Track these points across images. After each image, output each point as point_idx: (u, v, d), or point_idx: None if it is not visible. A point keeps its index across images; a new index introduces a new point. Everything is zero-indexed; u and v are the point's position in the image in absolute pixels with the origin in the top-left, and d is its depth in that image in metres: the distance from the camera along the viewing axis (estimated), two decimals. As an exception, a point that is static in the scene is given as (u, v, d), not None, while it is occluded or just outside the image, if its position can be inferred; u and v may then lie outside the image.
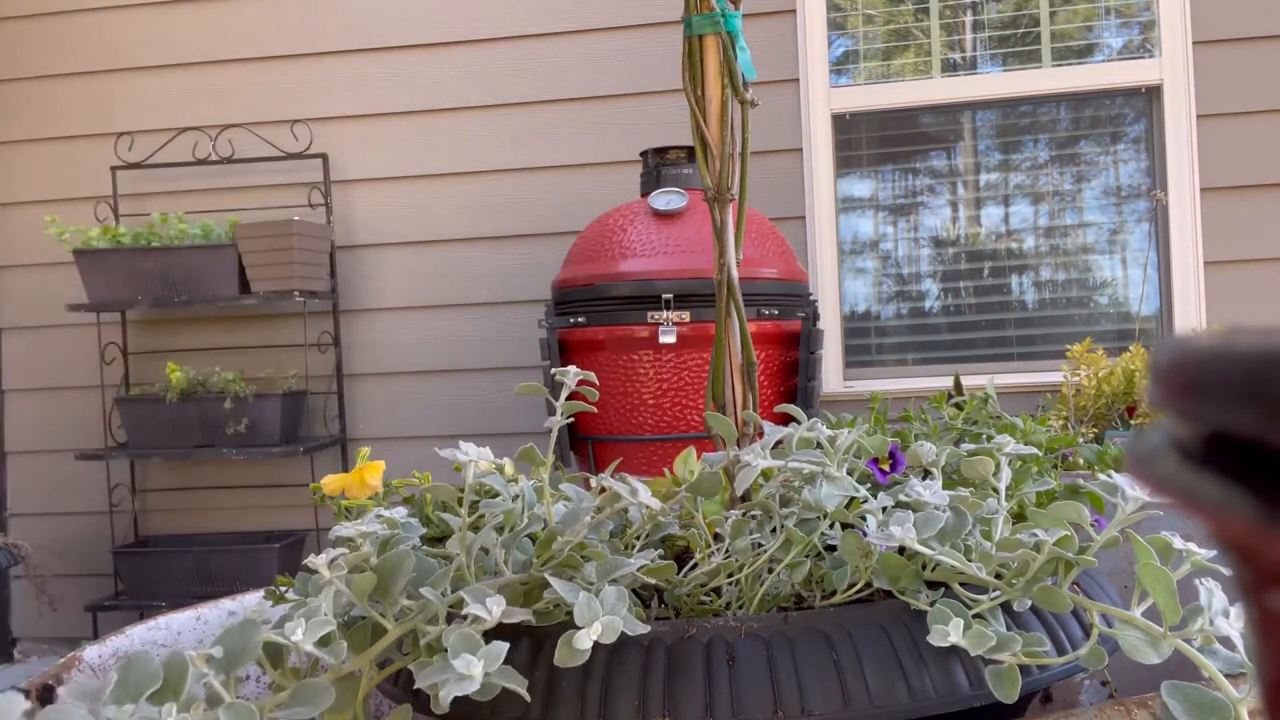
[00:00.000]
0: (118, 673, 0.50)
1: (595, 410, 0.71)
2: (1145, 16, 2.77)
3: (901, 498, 0.67)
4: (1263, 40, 2.61)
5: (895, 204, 2.92)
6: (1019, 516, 0.71)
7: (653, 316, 2.01)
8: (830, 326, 2.72)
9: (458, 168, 2.76)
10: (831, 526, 0.66)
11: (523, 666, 0.57)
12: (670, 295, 1.99)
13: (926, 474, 0.74)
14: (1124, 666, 0.62)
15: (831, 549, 0.67)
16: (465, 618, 0.56)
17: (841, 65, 2.91)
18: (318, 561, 0.62)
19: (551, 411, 0.70)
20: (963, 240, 2.89)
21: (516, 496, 0.69)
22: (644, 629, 0.56)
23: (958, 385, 1.01)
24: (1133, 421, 2.05)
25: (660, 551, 0.69)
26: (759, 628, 0.59)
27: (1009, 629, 0.59)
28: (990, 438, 0.84)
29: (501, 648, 0.53)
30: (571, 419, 0.70)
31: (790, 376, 2.15)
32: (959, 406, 0.97)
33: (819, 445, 0.70)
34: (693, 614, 0.67)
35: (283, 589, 0.77)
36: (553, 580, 0.58)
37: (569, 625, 0.55)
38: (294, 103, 2.89)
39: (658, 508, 0.67)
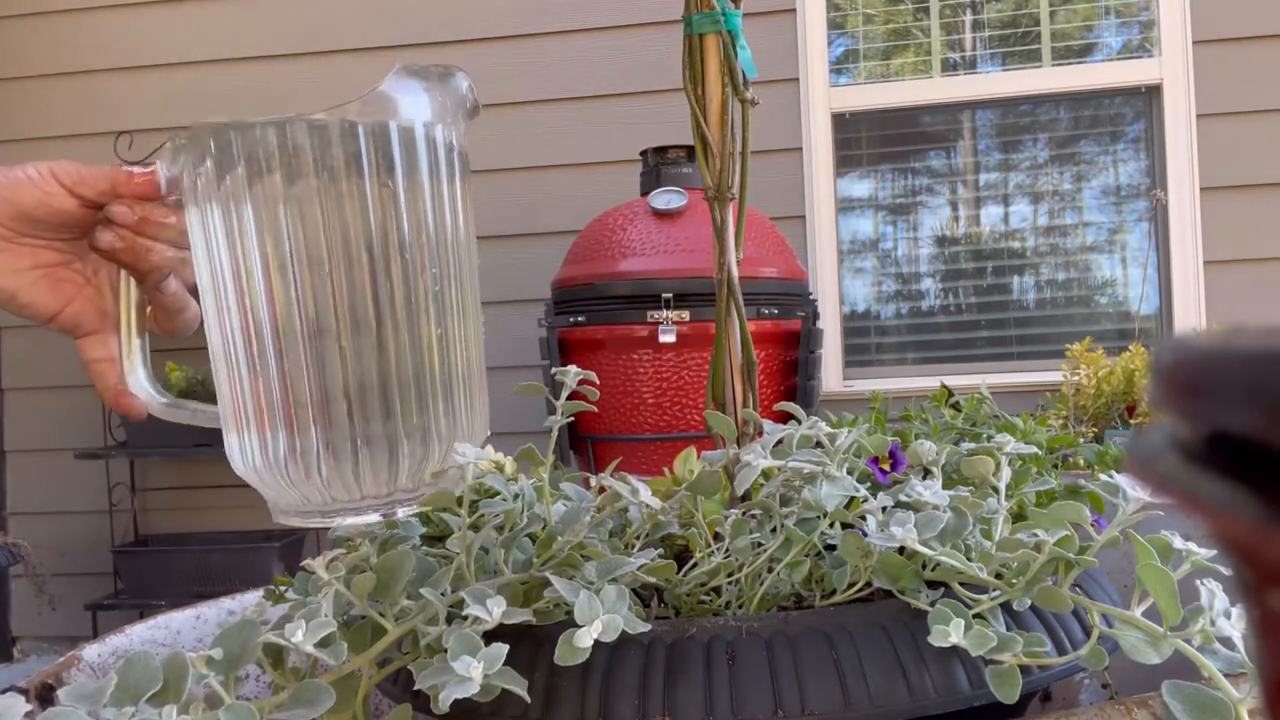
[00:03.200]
0: (118, 674, 0.50)
1: (595, 410, 0.71)
2: (1145, 16, 2.77)
3: (902, 498, 0.67)
4: (1263, 40, 2.61)
5: (895, 203, 2.92)
6: (1019, 516, 0.71)
7: (652, 316, 2.01)
8: (830, 326, 2.72)
9: (457, 167, 2.76)
10: (831, 526, 0.66)
11: (523, 666, 0.57)
12: (670, 294, 1.99)
13: (926, 473, 0.74)
14: (1124, 666, 0.62)
15: (831, 548, 0.67)
16: (466, 618, 0.56)
17: (841, 65, 2.91)
18: (315, 564, 0.62)
19: (551, 411, 0.70)
20: (962, 240, 2.89)
21: (517, 496, 0.69)
22: (644, 627, 0.56)
23: (947, 393, 1.01)
24: (1133, 421, 2.05)
25: (660, 551, 0.69)
26: (759, 627, 0.59)
27: (1009, 629, 0.59)
28: (990, 437, 0.84)
29: (501, 650, 0.53)
30: (571, 418, 0.70)
31: (790, 375, 2.15)
32: (957, 406, 0.97)
33: (819, 444, 0.70)
34: (693, 613, 0.67)
35: (282, 588, 0.77)
36: (553, 579, 0.58)
37: (569, 624, 0.55)
38: (294, 102, 2.89)
39: (658, 507, 0.66)
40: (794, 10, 2.76)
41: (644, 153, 2.25)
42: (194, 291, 0.58)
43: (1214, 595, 0.58)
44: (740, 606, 0.67)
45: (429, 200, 0.54)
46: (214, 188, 0.52)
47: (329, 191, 0.51)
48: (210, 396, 0.58)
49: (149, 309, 0.60)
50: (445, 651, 0.54)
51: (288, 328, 0.52)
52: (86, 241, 0.58)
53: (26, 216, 0.55)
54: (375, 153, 0.52)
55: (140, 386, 0.59)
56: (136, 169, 0.56)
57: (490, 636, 0.55)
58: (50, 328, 0.59)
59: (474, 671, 0.52)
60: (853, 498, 0.67)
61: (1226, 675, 0.53)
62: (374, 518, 0.56)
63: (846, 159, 2.88)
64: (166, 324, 0.61)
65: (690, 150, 2.18)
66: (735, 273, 0.79)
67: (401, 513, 0.56)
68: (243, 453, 0.56)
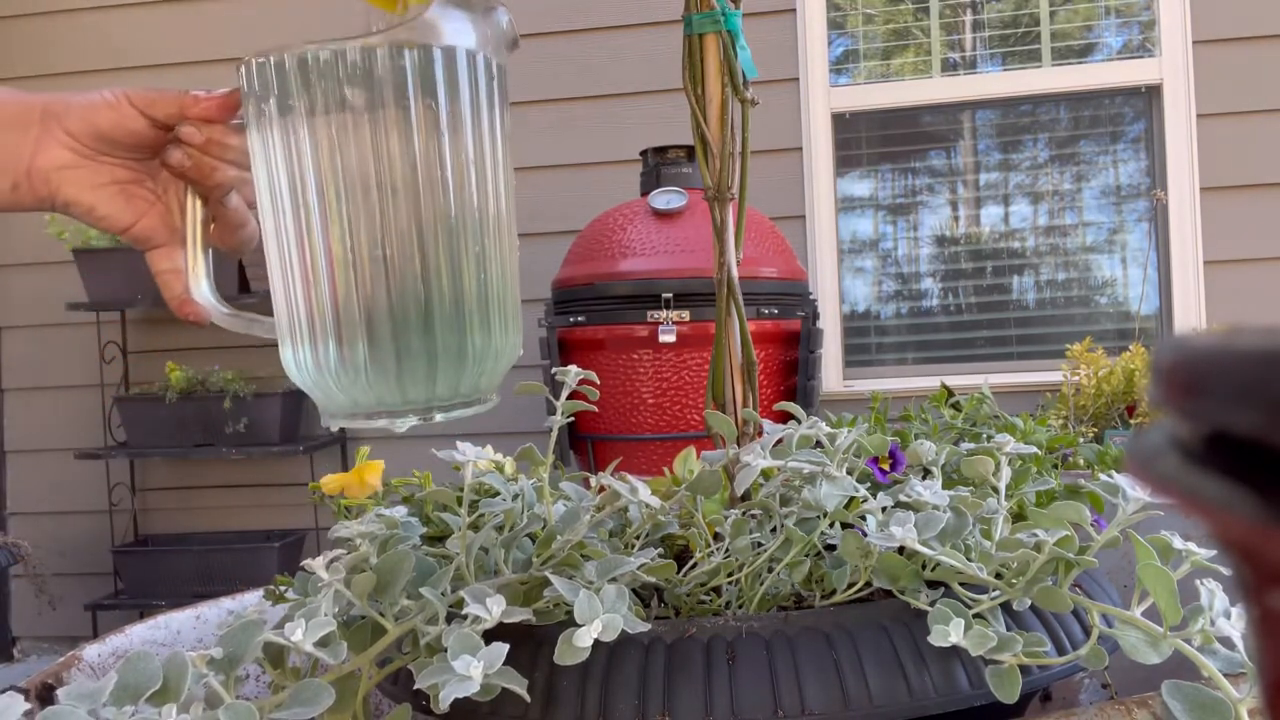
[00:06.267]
0: (118, 673, 0.50)
1: (595, 410, 0.71)
2: (1145, 16, 2.77)
3: (901, 497, 0.67)
4: (1263, 40, 2.61)
5: (895, 203, 2.92)
6: (1019, 516, 0.71)
7: (652, 316, 2.01)
8: (830, 326, 2.72)
9: (457, 167, 2.76)
10: (831, 526, 0.66)
11: (523, 666, 0.57)
12: (670, 294, 1.99)
13: (926, 473, 0.74)
14: (1124, 666, 0.62)
15: (831, 548, 0.67)
16: (465, 617, 0.56)
17: (841, 65, 2.91)
18: (315, 564, 0.62)
19: (551, 411, 0.70)
20: (962, 240, 2.89)
21: (516, 496, 0.69)
22: (644, 627, 0.56)
23: (947, 393, 1.01)
24: (1133, 421, 2.05)
25: (660, 550, 0.69)
26: (759, 627, 0.59)
27: (1009, 629, 0.59)
28: (990, 437, 0.84)
29: (501, 649, 0.53)
30: (571, 418, 0.70)
31: (790, 375, 2.15)
32: (958, 406, 0.97)
33: (819, 444, 0.70)
34: (692, 613, 0.67)
35: (282, 589, 0.77)
36: (553, 579, 0.58)
37: (569, 624, 0.55)
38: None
39: (658, 506, 0.66)
40: (794, 10, 2.76)
41: (644, 153, 2.25)
42: (254, 210, 0.63)
43: (1214, 595, 0.58)
44: (740, 606, 0.67)
45: (470, 122, 0.57)
46: (273, 110, 0.56)
47: (377, 112, 0.55)
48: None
49: (212, 226, 0.64)
50: (445, 651, 0.54)
51: (338, 243, 0.55)
52: (157, 161, 0.62)
53: (104, 136, 0.60)
54: (421, 75, 0.55)
55: (203, 296, 0.64)
56: (203, 93, 0.61)
57: (490, 636, 0.55)
58: (124, 239, 0.63)
59: (474, 671, 0.52)
60: (852, 498, 0.67)
61: (1226, 675, 0.53)
62: (413, 420, 0.58)
63: (846, 159, 2.88)
64: (229, 239, 0.65)
65: (690, 150, 2.18)
66: (735, 273, 0.79)
67: (439, 417, 0.59)
68: (296, 361, 0.59)
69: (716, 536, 0.70)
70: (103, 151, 0.61)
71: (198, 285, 0.64)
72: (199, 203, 0.63)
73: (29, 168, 0.59)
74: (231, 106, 0.61)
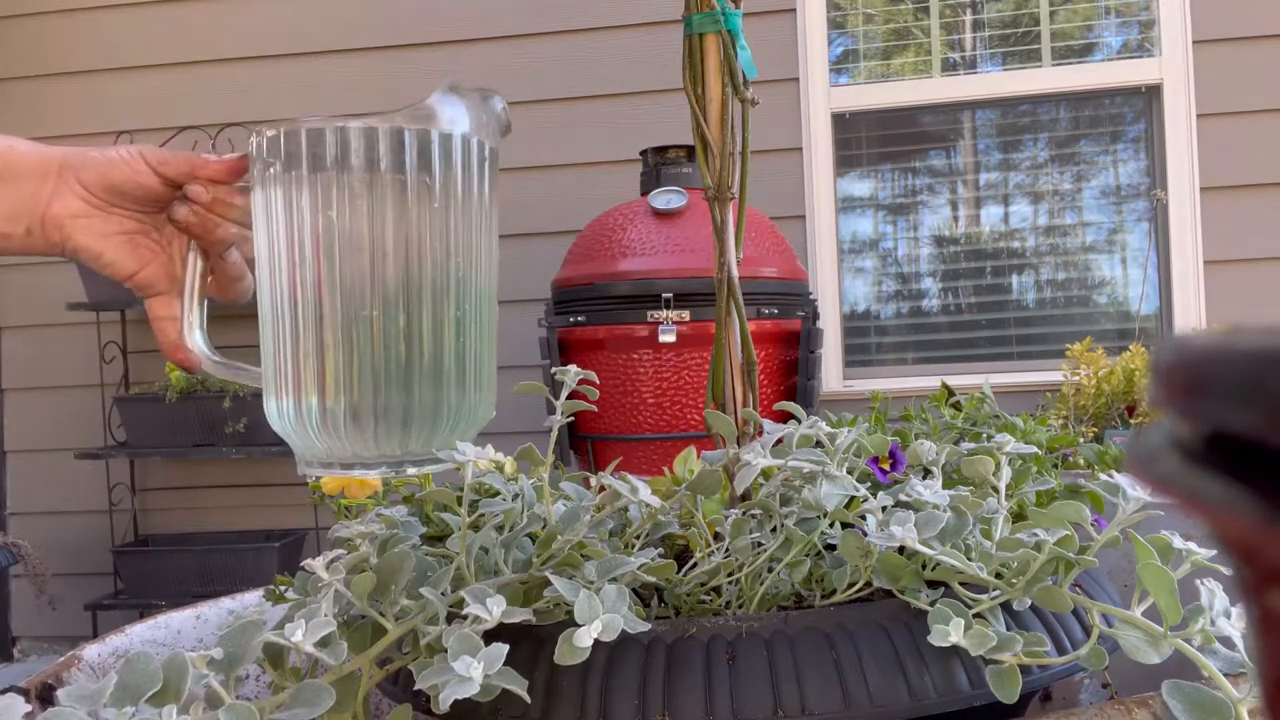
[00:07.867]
0: (118, 674, 0.50)
1: (595, 409, 0.71)
2: (1145, 16, 2.77)
3: (902, 497, 0.67)
4: (1263, 40, 2.61)
5: (895, 203, 2.92)
6: (1019, 516, 0.71)
7: (652, 315, 2.01)
8: (830, 325, 2.72)
9: (457, 167, 2.76)
10: (831, 526, 0.66)
11: (523, 666, 0.57)
12: (670, 294, 1.99)
13: (926, 473, 0.74)
14: (1124, 666, 0.62)
15: (831, 548, 0.67)
16: (465, 617, 0.56)
17: (841, 64, 2.91)
18: (315, 564, 0.62)
19: (551, 410, 0.70)
20: (962, 239, 2.89)
21: (516, 496, 0.69)
22: (644, 627, 0.56)
23: (947, 393, 1.01)
24: (1133, 421, 2.05)
25: (660, 550, 0.69)
26: (759, 627, 0.59)
27: (1009, 629, 0.59)
28: (990, 437, 0.84)
29: (501, 650, 0.53)
30: (571, 418, 0.71)
31: (790, 375, 2.15)
32: (958, 406, 0.97)
33: (819, 444, 0.70)
34: (693, 613, 0.67)
35: (282, 589, 0.77)
36: (553, 579, 0.58)
37: (569, 624, 0.55)
38: (293, 102, 2.89)
39: (658, 505, 0.66)
40: (794, 10, 2.76)
41: (644, 153, 2.25)
42: (251, 266, 0.67)
43: (1214, 595, 0.58)
44: (740, 606, 0.67)
45: (460, 198, 0.61)
46: (278, 177, 0.60)
47: (375, 186, 0.59)
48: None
49: (211, 278, 0.68)
50: (445, 651, 0.54)
51: (328, 304, 0.59)
52: (164, 215, 0.67)
53: (117, 190, 0.64)
54: (417, 155, 0.59)
55: (196, 344, 0.67)
56: (212, 156, 0.65)
57: (490, 636, 0.55)
58: (127, 285, 0.67)
59: (474, 671, 0.52)
60: (853, 497, 0.67)
61: (1226, 675, 0.53)
62: (387, 472, 0.62)
63: (846, 159, 2.88)
64: (226, 291, 0.69)
65: (690, 150, 2.18)
66: (735, 273, 0.79)
67: (411, 470, 0.62)
68: (279, 411, 0.62)
69: (716, 536, 0.70)
70: (114, 203, 0.65)
71: (191, 333, 0.67)
72: (200, 256, 0.67)
73: (44, 215, 0.64)
74: (239, 170, 0.65)
